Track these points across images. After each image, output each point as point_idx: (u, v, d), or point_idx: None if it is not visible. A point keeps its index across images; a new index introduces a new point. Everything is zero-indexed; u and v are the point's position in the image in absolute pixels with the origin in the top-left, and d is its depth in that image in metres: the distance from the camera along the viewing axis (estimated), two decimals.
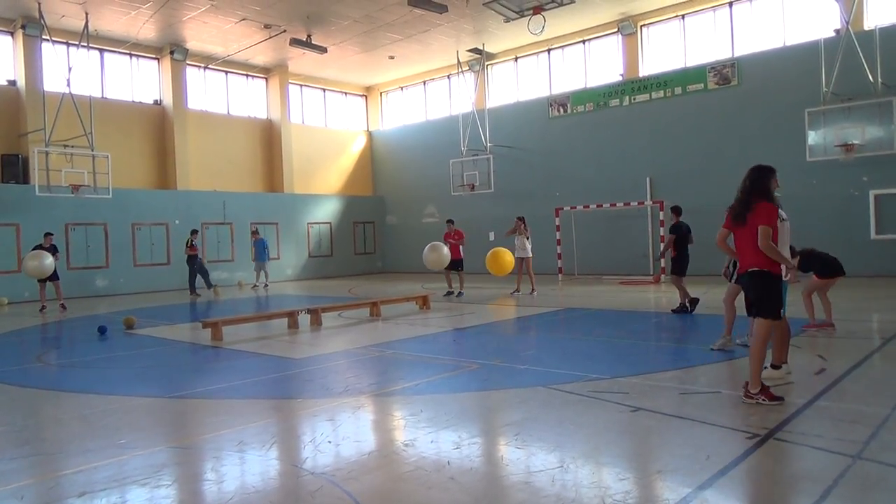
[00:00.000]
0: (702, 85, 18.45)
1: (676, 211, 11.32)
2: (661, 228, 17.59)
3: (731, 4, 18.27)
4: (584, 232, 19.79)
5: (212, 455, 4.52)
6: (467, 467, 4.06)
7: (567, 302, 13.39)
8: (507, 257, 14.42)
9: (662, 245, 11.31)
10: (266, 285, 20.13)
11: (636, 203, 18.40)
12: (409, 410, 5.45)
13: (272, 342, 9.38)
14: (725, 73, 18.03)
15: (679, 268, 10.92)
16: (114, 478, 4.05)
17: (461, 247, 15.38)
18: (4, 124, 18.28)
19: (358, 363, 7.70)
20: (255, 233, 20.50)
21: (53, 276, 14.69)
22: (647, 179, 19.33)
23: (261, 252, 19.91)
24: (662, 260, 17.28)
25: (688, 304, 10.75)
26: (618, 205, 18.08)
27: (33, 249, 14.83)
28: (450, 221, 16.16)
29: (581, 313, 11.62)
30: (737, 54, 18.11)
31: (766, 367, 5.96)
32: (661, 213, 17.56)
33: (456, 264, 15.24)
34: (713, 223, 19.21)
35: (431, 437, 4.64)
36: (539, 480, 3.75)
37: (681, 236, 10.91)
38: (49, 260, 14.20)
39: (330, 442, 4.64)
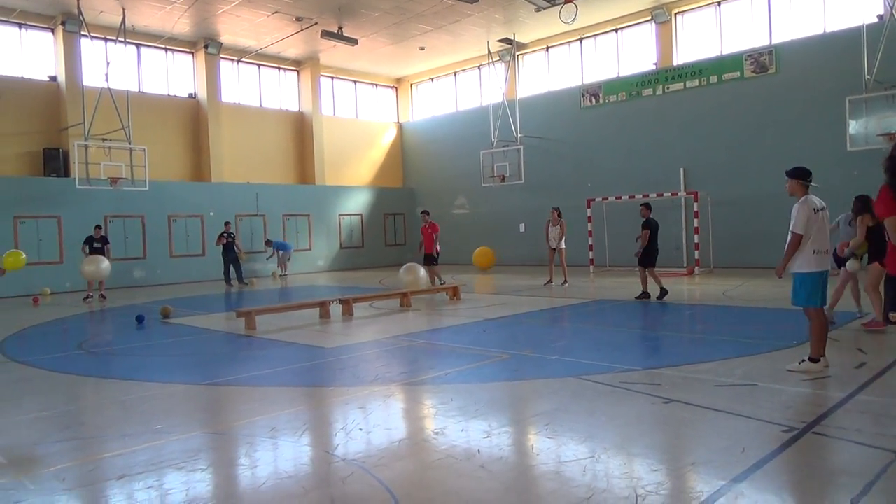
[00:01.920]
0: (738, 73, 18.05)
1: (648, 207, 12.10)
2: (696, 220, 17.28)
3: None
4: (615, 223, 19.55)
5: (245, 441, 4.60)
6: (497, 456, 4.06)
7: (598, 293, 13.28)
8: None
9: (639, 241, 11.69)
10: (283, 275, 21.07)
11: (669, 194, 18.10)
12: (439, 399, 5.47)
13: (304, 331, 9.49)
14: (763, 60, 17.60)
15: (650, 259, 11.70)
16: (151, 461, 4.15)
17: (435, 241, 14.70)
18: (45, 119, 18.76)
19: (388, 352, 7.75)
20: (269, 245, 21.35)
21: None
22: (681, 170, 19.01)
23: (284, 242, 20.84)
24: (697, 252, 17.08)
25: (659, 291, 11.57)
26: (650, 196, 17.77)
27: (85, 242, 15.28)
28: (425, 213, 15.37)
29: (612, 304, 11.51)
30: (775, 41, 17.65)
31: (803, 360, 5.85)
32: (696, 204, 17.25)
33: (429, 259, 14.67)
34: (750, 214, 18.99)
35: (462, 426, 4.65)
36: (570, 470, 3.74)
37: (654, 231, 11.75)
38: (105, 263, 14.68)
39: (361, 429, 4.68)
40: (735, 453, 3.88)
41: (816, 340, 5.79)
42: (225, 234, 18.48)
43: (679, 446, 4.28)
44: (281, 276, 21.10)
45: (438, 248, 14.77)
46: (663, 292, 11.52)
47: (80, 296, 15.48)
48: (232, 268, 18.46)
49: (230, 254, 18.42)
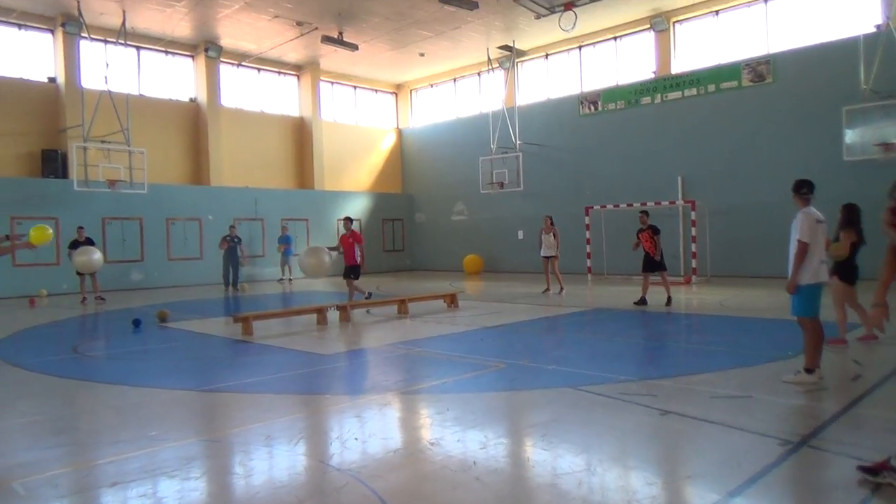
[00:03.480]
0: (736, 82, 18.11)
1: (647, 214, 12.41)
2: (693, 228, 17.32)
3: (766, 0, 17.88)
4: (613, 231, 19.57)
5: (240, 449, 4.58)
6: (493, 467, 4.05)
7: (596, 302, 13.28)
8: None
9: (657, 247, 11.94)
10: (290, 280, 20.82)
11: (667, 202, 18.14)
12: (435, 409, 5.46)
13: (301, 337, 9.47)
14: (760, 70, 17.67)
15: (651, 265, 12.07)
16: (145, 468, 4.13)
17: (358, 251, 12.88)
18: (45, 120, 18.74)
19: (385, 360, 7.73)
20: (284, 228, 20.92)
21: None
22: (679, 178, 19.05)
23: (288, 249, 20.70)
24: (694, 260, 17.10)
25: (640, 298, 12.12)
26: (648, 204, 17.79)
27: (70, 246, 15.21)
28: (347, 219, 13.51)
29: (610, 314, 11.51)
30: (772, 51, 17.72)
31: (798, 372, 5.84)
32: (694, 212, 17.29)
33: (350, 271, 12.89)
34: (747, 222, 19.02)
35: (458, 437, 4.64)
36: (565, 483, 3.73)
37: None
38: (97, 255, 14.60)
39: (356, 439, 4.67)
40: (731, 466, 3.88)
41: (811, 352, 5.79)
42: (229, 238, 18.40)
43: (675, 459, 4.28)
44: (288, 280, 20.94)
45: (360, 258, 12.98)
46: (643, 301, 12.03)
47: (77, 297, 15.43)
48: (230, 270, 18.41)
49: (233, 257, 18.32)
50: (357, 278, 13.00)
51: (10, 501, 3.66)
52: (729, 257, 17.86)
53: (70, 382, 6.96)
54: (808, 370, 5.78)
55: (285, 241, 21.04)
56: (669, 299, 12.02)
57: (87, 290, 15.32)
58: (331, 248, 12.97)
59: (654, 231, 12.03)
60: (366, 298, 12.77)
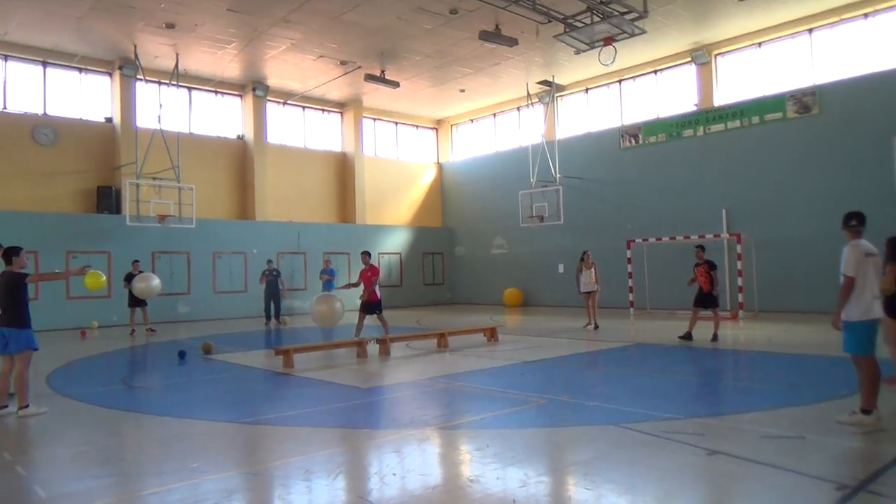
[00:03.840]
0: (780, 114, 17.83)
1: (703, 248, 12.27)
2: (739, 262, 16.92)
3: (811, 31, 17.66)
4: (656, 265, 19.27)
5: (280, 482, 4.59)
6: None
7: (638, 337, 13.02)
8: None
9: (713, 282, 11.71)
10: None
11: (712, 235, 17.80)
12: (474, 445, 5.39)
13: (341, 371, 9.52)
14: (806, 101, 17.37)
15: (703, 300, 11.87)
16: (186, 500, 4.16)
17: (374, 285, 12.53)
18: (101, 158, 19.56)
19: (424, 394, 7.69)
20: (327, 262, 20.97)
21: (142, 302, 15.49)
22: (723, 211, 18.72)
23: (330, 281, 20.39)
24: (741, 295, 16.67)
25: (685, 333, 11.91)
26: (692, 237, 17.51)
27: (125, 279, 15.66)
28: (365, 254, 13.00)
29: (653, 349, 11.26)
30: (818, 82, 17.43)
31: (854, 412, 5.60)
32: (739, 246, 16.91)
33: (372, 307, 12.52)
34: (795, 255, 18.51)
35: (497, 474, 4.56)
36: None
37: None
38: (156, 281, 15.02)
39: (395, 474, 4.63)
40: None
41: (867, 391, 5.55)
42: (267, 272, 18.55)
43: (723, 502, 4.12)
44: None
45: (377, 294, 12.60)
46: (688, 336, 11.81)
47: (126, 330, 15.85)
48: (272, 304, 18.54)
49: (273, 290, 18.44)
50: (381, 312, 12.65)
51: None
52: (777, 292, 17.36)
53: (117, 413, 7.12)
54: (865, 411, 5.53)
55: (329, 272, 20.85)
56: (715, 336, 11.71)
57: (137, 321, 15.76)
58: (348, 285, 13.13)
59: (711, 266, 11.86)
60: (376, 342, 11.85)
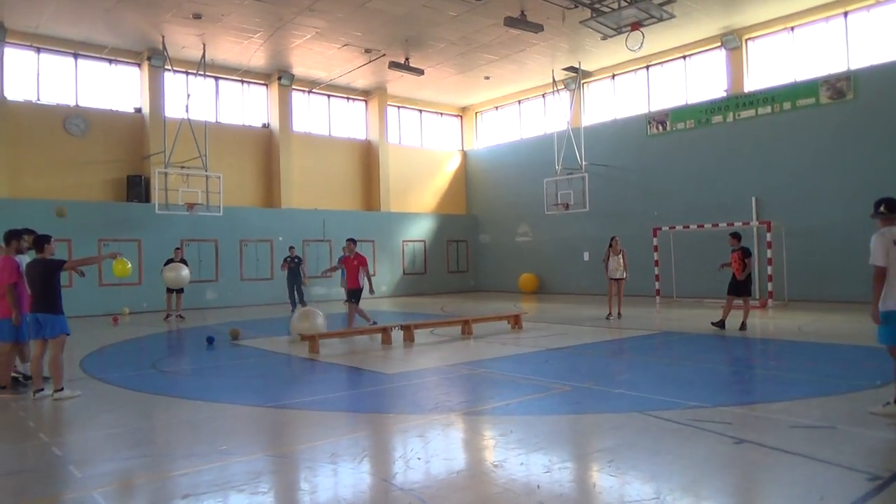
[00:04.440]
0: (813, 99, 17.41)
1: (738, 237, 12.09)
2: (769, 250, 16.63)
3: (846, 14, 17.18)
4: (683, 253, 19.03)
5: (306, 465, 4.65)
6: (558, 493, 3.96)
7: (664, 325, 12.89)
8: None
9: (746, 270, 11.55)
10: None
11: (741, 223, 17.49)
12: (498, 430, 5.40)
13: (366, 357, 9.59)
14: (840, 86, 16.93)
15: (737, 288, 11.73)
16: (215, 482, 4.24)
17: (363, 274, 12.23)
18: (130, 148, 19.88)
19: (448, 380, 7.72)
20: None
21: (179, 289, 15.77)
22: (753, 199, 18.39)
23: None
24: (770, 284, 16.40)
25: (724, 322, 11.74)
26: (720, 225, 17.24)
27: (165, 264, 15.90)
28: (350, 241, 12.63)
29: (680, 337, 11.14)
30: (852, 67, 16.97)
31: (888, 403, 5.48)
32: (769, 234, 16.62)
33: (352, 294, 12.31)
34: (827, 244, 18.15)
35: (521, 459, 4.57)
36: None
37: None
38: (185, 271, 15.31)
39: (420, 458, 4.66)
40: (812, 501, 3.66)
41: None
42: (289, 259, 18.54)
43: (751, 490, 4.07)
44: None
45: (365, 282, 12.30)
46: (721, 323, 11.66)
47: (158, 315, 16.15)
48: (295, 291, 18.60)
49: (295, 277, 18.52)
50: (357, 302, 12.35)
51: None
52: (808, 281, 17.04)
53: (148, 397, 7.26)
54: None
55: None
56: (744, 324, 11.55)
57: (172, 307, 16.04)
58: (328, 270, 12.86)
59: (746, 253, 11.70)
60: (371, 325, 12.02)
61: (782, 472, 4.23)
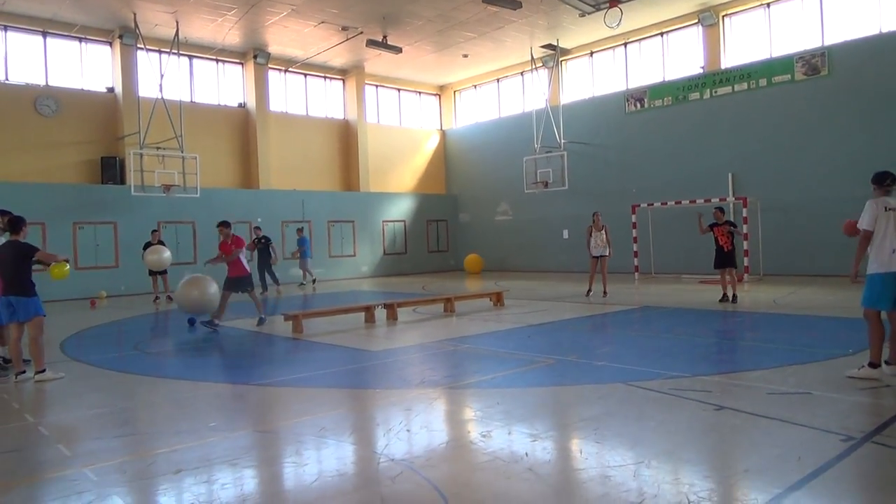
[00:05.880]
0: (789, 76, 17.61)
1: (723, 210, 12.46)
2: (745, 226, 16.86)
3: None
4: (661, 230, 19.26)
5: (295, 440, 4.69)
6: (544, 459, 4.05)
7: (644, 300, 13.08)
8: None
9: (732, 243, 11.88)
10: (314, 280, 20.35)
11: (717, 199, 17.72)
12: (484, 403, 5.48)
13: (350, 335, 9.61)
14: (815, 63, 17.13)
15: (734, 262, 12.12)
16: (205, 457, 4.26)
17: (244, 259, 11.09)
18: (103, 129, 19.48)
19: (434, 356, 7.79)
20: (300, 230, 20.31)
21: (163, 270, 15.58)
22: (729, 175, 18.62)
23: (305, 250, 20.01)
24: (746, 259, 16.68)
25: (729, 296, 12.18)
26: (698, 201, 17.46)
27: (144, 248, 15.67)
28: (224, 224, 11.15)
29: (659, 311, 11.33)
30: (827, 43, 17.17)
31: (863, 366, 5.66)
32: (745, 210, 16.85)
33: (237, 283, 10.85)
34: (801, 220, 18.44)
35: (507, 430, 4.65)
36: (619, 475, 3.70)
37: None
38: (167, 254, 15.10)
39: (408, 431, 4.72)
40: (790, 461, 3.79)
41: (875, 345, 5.63)
42: (256, 239, 18.06)
43: (731, 453, 4.20)
44: (308, 283, 20.23)
45: (252, 268, 11.30)
46: (725, 297, 12.11)
47: (136, 298, 15.98)
48: (266, 272, 17.94)
49: (264, 258, 17.89)
50: (250, 291, 11.03)
51: (83, 486, 3.83)
52: (783, 255, 17.37)
53: (132, 377, 7.23)
54: (872, 364, 5.60)
55: (301, 243, 20.30)
56: (735, 297, 11.98)
57: (159, 290, 15.85)
58: (210, 261, 11.27)
59: (732, 225, 12.10)
60: (258, 324, 10.92)
61: (761, 435, 4.36)
